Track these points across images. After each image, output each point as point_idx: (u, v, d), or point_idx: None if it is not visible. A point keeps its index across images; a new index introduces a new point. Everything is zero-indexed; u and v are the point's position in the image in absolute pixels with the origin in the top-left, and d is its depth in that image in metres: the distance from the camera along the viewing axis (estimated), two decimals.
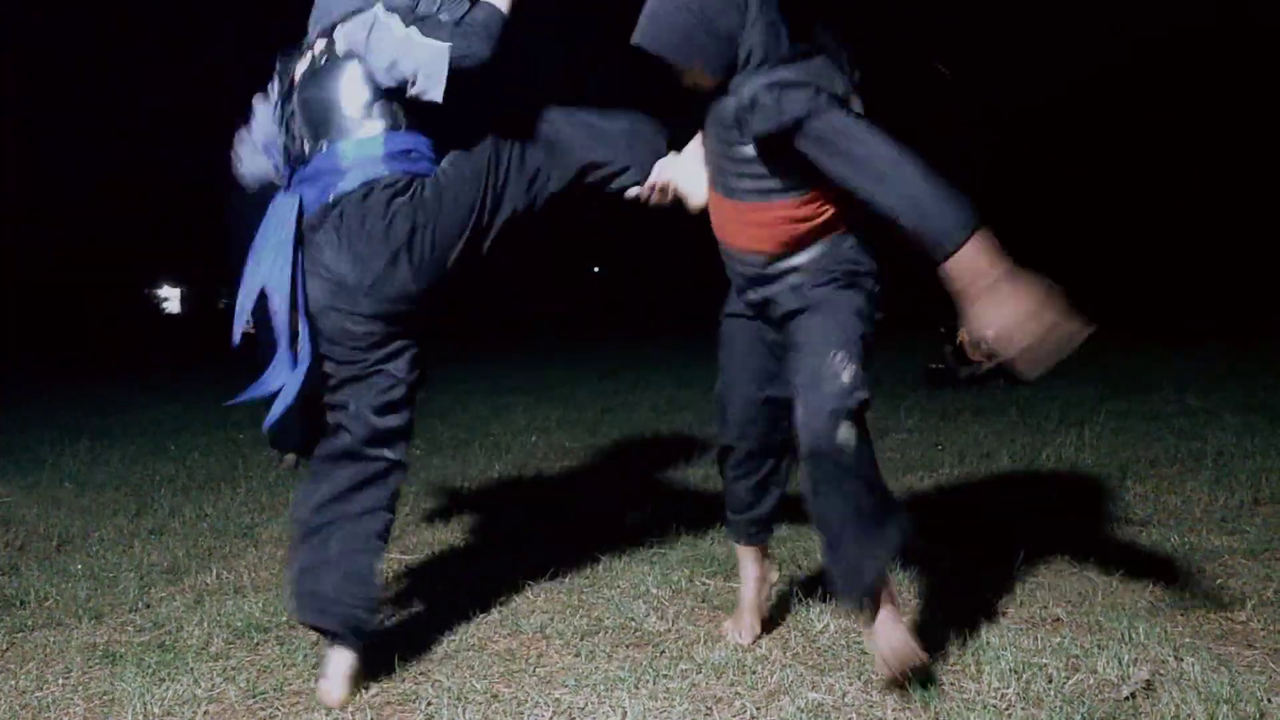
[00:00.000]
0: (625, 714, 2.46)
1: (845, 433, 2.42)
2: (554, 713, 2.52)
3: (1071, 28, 29.90)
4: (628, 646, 2.96)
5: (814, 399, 2.46)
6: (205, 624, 3.24)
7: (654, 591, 3.42)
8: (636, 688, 2.64)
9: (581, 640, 3.01)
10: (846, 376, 2.47)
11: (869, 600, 2.50)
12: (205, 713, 2.61)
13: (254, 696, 2.70)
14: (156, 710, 2.62)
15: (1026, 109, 28.18)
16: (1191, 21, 28.05)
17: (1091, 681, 2.57)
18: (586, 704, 2.55)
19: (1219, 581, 3.31)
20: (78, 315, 34.13)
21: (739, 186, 2.62)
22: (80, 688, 2.79)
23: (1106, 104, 30.04)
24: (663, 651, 2.89)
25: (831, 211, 2.59)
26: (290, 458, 6.08)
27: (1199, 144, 29.69)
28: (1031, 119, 28.45)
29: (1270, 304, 17.70)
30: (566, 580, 3.61)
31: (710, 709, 2.50)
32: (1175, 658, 2.68)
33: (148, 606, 3.51)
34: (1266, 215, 27.94)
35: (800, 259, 2.63)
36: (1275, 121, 27.10)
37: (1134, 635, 2.83)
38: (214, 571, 3.87)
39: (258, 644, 3.08)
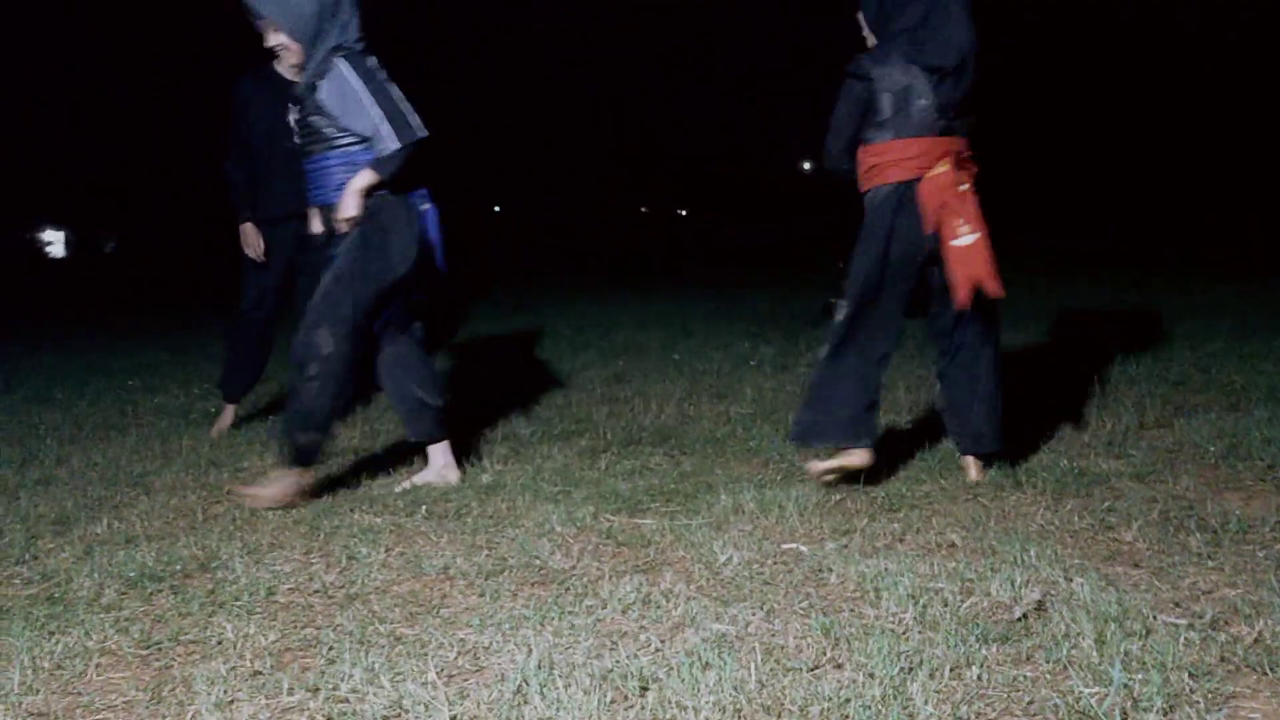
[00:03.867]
0: (530, 651, 2.45)
1: None
2: (458, 653, 2.50)
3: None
4: (532, 585, 2.96)
5: None
6: (96, 575, 3.15)
7: (558, 529, 3.41)
8: (541, 625, 2.63)
9: (486, 580, 2.99)
10: None
11: None
12: (97, 665, 2.54)
13: (148, 647, 2.63)
14: (46, 664, 2.55)
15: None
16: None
17: (985, 604, 2.64)
18: (491, 643, 2.54)
19: (1106, 504, 3.41)
20: None
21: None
22: None
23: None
24: (567, 589, 2.90)
25: None
26: (229, 415, 5.49)
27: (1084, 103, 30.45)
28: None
29: (1159, 236, 18.25)
30: (469, 520, 3.59)
31: (615, 644, 2.51)
32: (1065, 579, 2.76)
33: (35, 558, 3.40)
34: (1161, 168, 28.90)
35: None
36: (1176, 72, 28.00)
37: (1026, 558, 2.91)
38: (104, 521, 3.76)
39: (151, 594, 3.00)
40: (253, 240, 5.21)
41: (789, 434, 3.99)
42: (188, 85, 35.74)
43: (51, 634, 2.72)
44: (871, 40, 3.85)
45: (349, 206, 3.87)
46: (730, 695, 2.18)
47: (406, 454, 4.67)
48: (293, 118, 4.85)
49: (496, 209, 52.04)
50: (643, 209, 54.20)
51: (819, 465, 3.78)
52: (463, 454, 4.62)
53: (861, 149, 3.77)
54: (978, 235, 3.62)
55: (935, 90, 3.63)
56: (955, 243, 3.62)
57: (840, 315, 3.78)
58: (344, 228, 3.90)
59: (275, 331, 5.40)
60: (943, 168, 3.64)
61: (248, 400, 5.75)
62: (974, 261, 3.61)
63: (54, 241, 47.99)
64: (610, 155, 47.36)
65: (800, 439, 3.86)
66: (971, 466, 3.88)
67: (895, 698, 2.15)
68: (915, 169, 3.66)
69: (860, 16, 3.88)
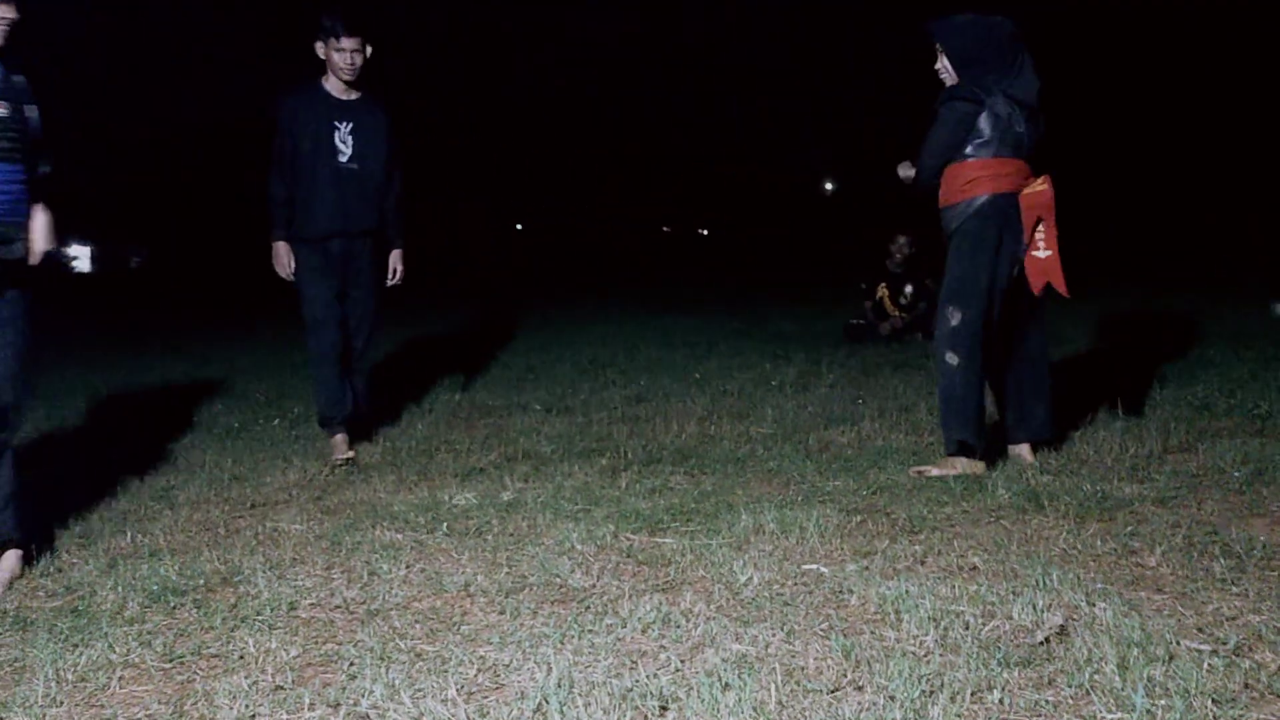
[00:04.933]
0: (550, 670, 2.46)
1: None
2: (478, 670, 2.51)
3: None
4: (552, 603, 2.96)
5: None
6: (119, 588, 3.17)
7: (579, 548, 3.42)
8: (561, 644, 2.64)
9: (506, 597, 3.00)
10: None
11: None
12: (120, 678, 2.56)
13: (171, 660, 2.65)
14: (70, 676, 2.57)
15: None
16: None
17: (1007, 628, 2.63)
18: (511, 660, 2.55)
19: (1129, 529, 3.39)
20: None
21: None
22: None
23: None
24: (587, 607, 2.90)
25: None
26: (341, 443, 5.08)
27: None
28: None
29: (1171, 258, 18.15)
30: (490, 538, 3.60)
31: (635, 663, 2.51)
32: (1088, 603, 2.75)
33: (60, 571, 3.43)
34: (1155, 169, 28.76)
35: None
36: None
37: (1048, 582, 2.90)
38: (128, 535, 3.79)
39: (174, 607, 3.02)
40: (284, 259, 5.03)
41: (966, 440, 4.28)
42: (220, 100, 36.08)
43: (75, 646, 2.74)
44: (950, 76, 4.35)
45: None
46: (750, 716, 2.18)
47: (426, 470, 4.69)
48: (339, 137, 4.98)
49: (519, 226, 52.27)
50: (665, 228, 54.38)
51: (933, 470, 4.28)
52: (483, 472, 4.64)
53: (958, 165, 4.27)
54: (1051, 252, 4.28)
55: (1025, 123, 4.26)
56: (1035, 254, 4.29)
57: (957, 320, 4.24)
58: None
59: (345, 344, 5.11)
60: (1042, 185, 4.26)
61: (272, 409, 5.78)
62: (1051, 270, 4.28)
63: (80, 256, 48.38)
64: (633, 175, 47.52)
65: (963, 447, 4.29)
66: (1027, 453, 4.41)
67: None
68: (1013, 185, 4.25)
69: (942, 55, 4.38)
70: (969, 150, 4.24)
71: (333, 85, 5.01)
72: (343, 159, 4.98)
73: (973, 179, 4.24)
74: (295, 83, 5.17)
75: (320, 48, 4.95)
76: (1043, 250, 4.27)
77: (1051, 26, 30.44)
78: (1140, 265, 17.61)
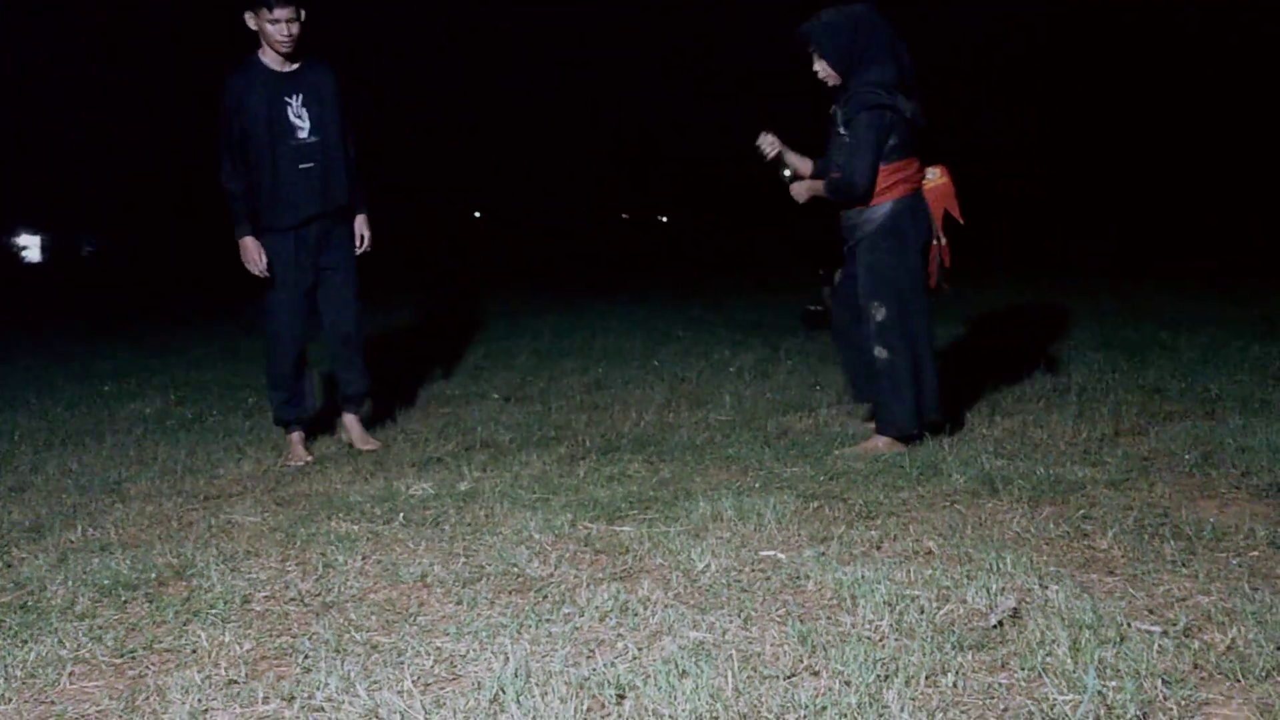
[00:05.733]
0: (507, 659, 2.45)
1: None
2: (435, 661, 2.50)
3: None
4: (510, 593, 2.95)
5: None
6: (70, 583, 3.13)
7: (536, 537, 3.41)
8: (519, 633, 2.63)
9: (463, 588, 2.99)
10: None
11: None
12: (71, 673, 2.52)
13: (122, 655, 2.62)
14: (19, 673, 2.53)
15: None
16: None
17: (961, 611, 2.65)
18: (468, 651, 2.54)
19: (1081, 511, 3.43)
20: None
21: None
22: None
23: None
24: (545, 596, 2.89)
25: None
26: (298, 443, 4.88)
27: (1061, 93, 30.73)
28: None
29: (1129, 244, 18.37)
30: (447, 528, 3.58)
31: (593, 651, 2.51)
32: (1041, 586, 2.78)
33: (9, 566, 3.38)
34: (1120, 159, 29.08)
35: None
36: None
37: (1001, 565, 2.93)
38: (79, 528, 3.74)
39: (125, 602, 2.99)
40: (254, 255, 4.66)
41: (908, 429, 4.42)
42: (167, 84, 35.48)
43: (24, 642, 2.70)
44: (833, 77, 4.40)
45: None
46: (707, 703, 2.19)
47: (383, 460, 4.66)
48: (292, 113, 4.59)
49: (477, 214, 51.97)
50: (624, 215, 54.24)
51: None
52: (440, 461, 4.62)
53: (883, 168, 4.32)
54: (945, 180, 4.50)
55: (920, 115, 4.37)
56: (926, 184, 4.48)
57: (882, 316, 4.35)
58: None
59: (307, 345, 4.92)
60: (942, 178, 4.47)
61: (221, 404, 5.71)
62: (945, 194, 4.48)
63: (30, 246, 47.60)
64: (589, 160, 47.34)
65: (915, 424, 4.43)
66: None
67: (871, 705, 2.16)
68: (918, 181, 4.41)
69: (819, 57, 4.38)
70: (885, 155, 4.32)
71: (270, 58, 4.64)
72: (302, 134, 4.65)
73: (889, 185, 4.33)
74: (234, 62, 4.73)
75: (251, 19, 4.56)
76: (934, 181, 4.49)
77: (1052, 26, 30.78)
78: (1107, 261, 17.81)
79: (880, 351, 4.38)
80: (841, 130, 4.36)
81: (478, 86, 42.18)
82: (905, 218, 4.36)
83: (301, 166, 4.65)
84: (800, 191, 4.62)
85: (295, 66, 4.69)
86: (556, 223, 45.93)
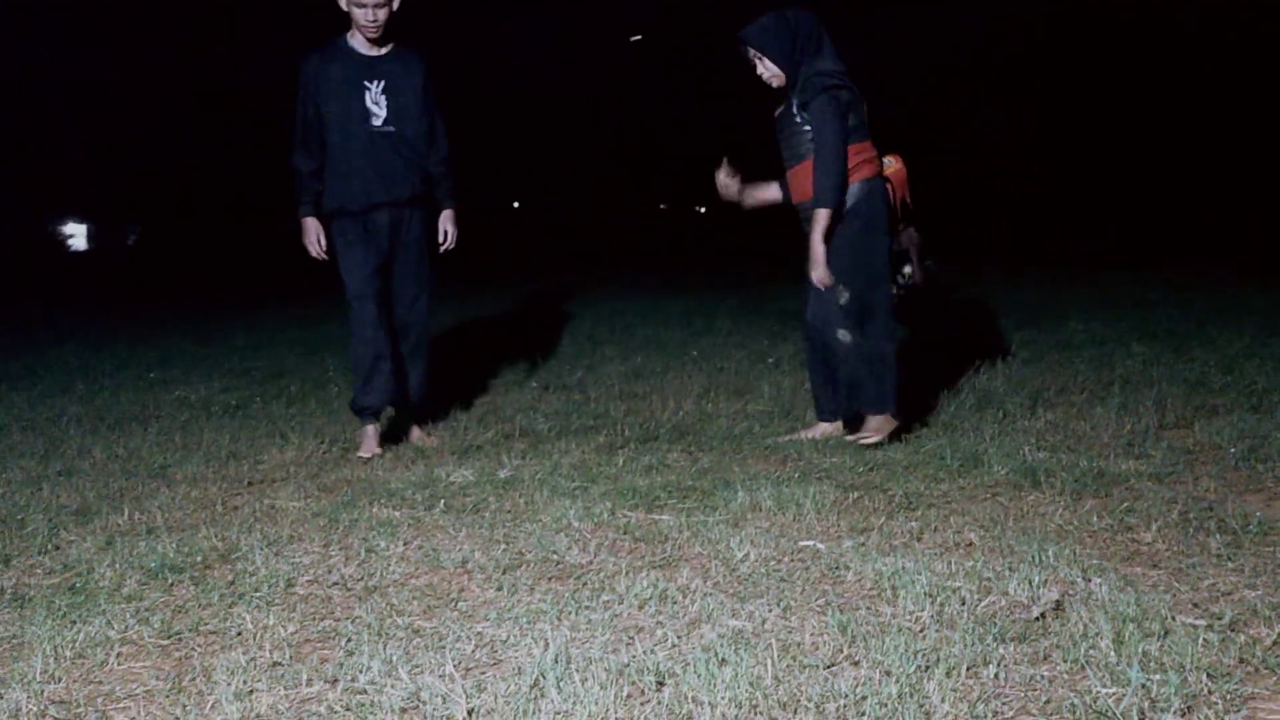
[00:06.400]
0: (547, 645, 2.46)
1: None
2: (476, 646, 2.52)
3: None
4: (549, 579, 2.97)
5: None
6: (117, 565, 3.18)
7: (576, 525, 3.42)
8: (559, 620, 2.64)
9: (503, 574, 3.00)
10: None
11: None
12: (119, 654, 2.56)
13: (169, 637, 2.65)
14: (68, 653, 2.57)
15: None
16: None
17: (1003, 603, 2.63)
18: (509, 637, 2.56)
19: (1125, 505, 3.40)
20: None
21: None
22: None
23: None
24: (585, 584, 2.90)
25: None
26: (370, 437, 4.72)
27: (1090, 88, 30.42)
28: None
29: (1171, 235, 18.13)
30: (487, 515, 3.60)
31: (632, 639, 2.52)
32: (1084, 579, 2.76)
33: (57, 548, 3.44)
34: (1160, 151, 28.75)
35: None
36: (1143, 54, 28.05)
37: (1044, 558, 2.91)
38: (126, 512, 3.79)
39: (172, 584, 3.03)
40: (313, 236, 4.65)
41: (890, 410, 4.36)
42: (216, 74, 35.75)
43: (73, 623, 2.74)
44: (778, 81, 4.42)
45: None
46: (746, 691, 2.19)
47: (423, 448, 4.69)
48: (370, 98, 4.56)
49: (516, 205, 52.14)
50: (661, 206, 54.19)
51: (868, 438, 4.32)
52: (480, 449, 4.64)
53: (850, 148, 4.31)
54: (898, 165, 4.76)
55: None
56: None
57: (845, 299, 4.32)
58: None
59: (386, 336, 4.71)
60: (897, 164, 4.69)
61: (269, 392, 5.76)
62: (900, 181, 4.72)
63: (76, 235, 48.24)
64: (627, 153, 47.30)
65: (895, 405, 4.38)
66: (840, 429, 4.61)
67: (912, 696, 2.15)
68: (877, 164, 4.44)
69: (762, 60, 4.39)
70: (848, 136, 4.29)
71: (358, 42, 4.59)
72: (376, 123, 4.57)
73: (854, 164, 4.30)
74: (318, 42, 4.70)
75: (342, 0, 4.50)
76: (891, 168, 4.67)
77: (1051, 26, 30.46)
78: (1150, 255, 17.60)
79: (843, 335, 4.34)
80: (798, 119, 4.31)
81: (509, 80, 42.17)
82: (875, 199, 4.36)
83: (372, 153, 4.58)
84: (817, 248, 4.30)
85: (381, 53, 4.62)
86: (594, 213, 45.96)
